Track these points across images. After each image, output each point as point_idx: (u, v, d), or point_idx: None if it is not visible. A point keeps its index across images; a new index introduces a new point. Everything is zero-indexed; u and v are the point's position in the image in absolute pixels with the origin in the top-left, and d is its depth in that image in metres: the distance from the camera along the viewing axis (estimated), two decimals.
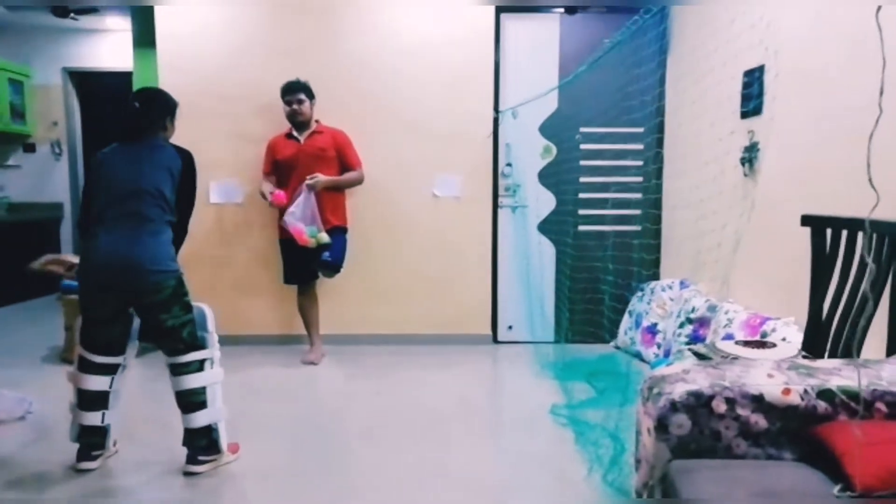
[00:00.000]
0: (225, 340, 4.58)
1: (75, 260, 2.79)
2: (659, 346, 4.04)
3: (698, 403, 1.62)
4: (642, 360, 4.15)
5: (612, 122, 4.58)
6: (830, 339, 2.16)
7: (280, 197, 4.03)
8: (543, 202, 4.69)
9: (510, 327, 4.78)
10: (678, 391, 1.63)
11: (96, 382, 2.61)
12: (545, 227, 4.71)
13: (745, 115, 3.38)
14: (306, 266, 4.19)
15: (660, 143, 4.57)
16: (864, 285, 1.95)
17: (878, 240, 1.98)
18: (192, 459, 2.60)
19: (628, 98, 4.48)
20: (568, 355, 4.34)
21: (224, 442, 2.67)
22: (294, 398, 3.66)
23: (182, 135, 4.50)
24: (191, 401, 2.60)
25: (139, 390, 3.66)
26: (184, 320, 2.61)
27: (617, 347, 4.54)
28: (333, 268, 4.16)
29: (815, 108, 2.86)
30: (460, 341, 4.68)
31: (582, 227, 4.70)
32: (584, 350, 4.43)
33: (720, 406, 1.62)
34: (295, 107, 4.12)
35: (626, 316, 4.51)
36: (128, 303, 2.61)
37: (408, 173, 4.63)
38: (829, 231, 2.19)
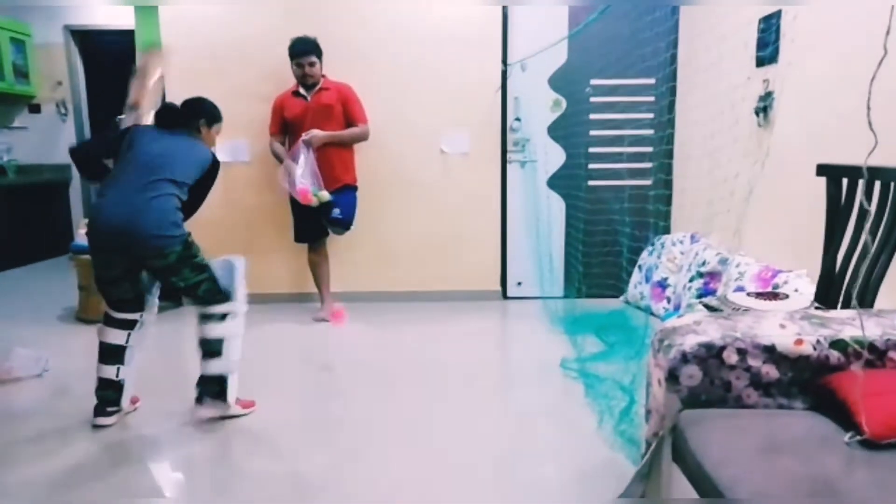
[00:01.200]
0: None
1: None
2: (669, 301, 4.04)
3: (709, 354, 1.61)
4: (652, 314, 4.15)
5: (624, 74, 4.48)
6: (843, 291, 2.14)
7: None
8: (553, 157, 4.64)
9: (519, 283, 4.78)
10: (689, 342, 1.63)
11: (113, 336, 2.69)
12: (554, 182, 4.67)
13: (760, 62, 3.30)
14: (317, 224, 4.19)
15: (672, 92, 4.48)
16: (865, 235, 1.92)
17: None
18: (199, 400, 2.72)
19: (640, 46, 4.38)
20: (577, 310, 4.35)
21: (232, 395, 2.73)
22: (306, 354, 3.70)
23: (186, 93, 4.49)
24: (207, 349, 2.70)
25: (157, 345, 3.71)
26: (196, 280, 2.65)
27: (627, 302, 4.54)
28: (344, 225, 4.16)
29: (831, 55, 2.78)
30: (470, 297, 4.69)
31: (592, 182, 4.65)
32: (594, 305, 4.43)
33: (731, 357, 1.61)
34: (307, 69, 4.04)
35: (636, 270, 4.50)
36: (134, 265, 2.65)
37: (415, 129, 4.58)
38: (845, 181, 2.15)
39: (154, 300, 2.82)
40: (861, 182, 1.98)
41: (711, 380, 1.62)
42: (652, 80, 4.49)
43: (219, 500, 2.18)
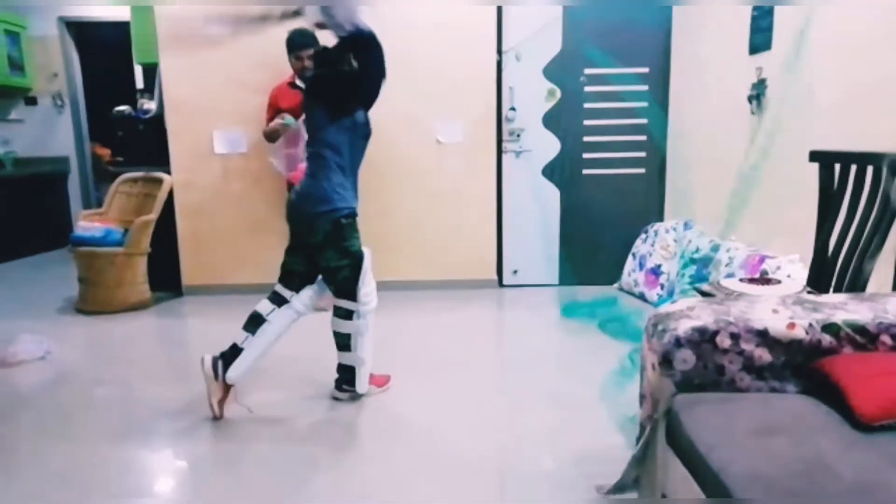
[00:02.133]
0: (233, 289, 4.62)
1: None
2: (662, 287, 4.07)
3: (703, 339, 1.63)
4: (646, 301, 4.19)
5: (617, 63, 4.50)
6: (836, 275, 2.16)
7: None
8: (548, 146, 4.65)
9: (515, 271, 4.80)
10: (683, 327, 1.65)
11: (263, 305, 2.71)
12: (549, 171, 4.68)
13: (753, 50, 3.31)
14: None
15: (666, 80, 4.49)
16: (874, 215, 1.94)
17: (887, 174, 1.96)
18: (337, 386, 2.84)
19: (634, 35, 4.39)
20: (572, 297, 4.38)
21: (362, 384, 2.80)
22: (306, 342, 3.71)
23: (182, 85, 4.51)
24: (337, 341, 2.79)
25: (158, 336, 3.74)
26: (338, 265, 2.68)
27: (621, 289, 4.57)
28: None
29: (825, 41, 2.79)
30: (466, 286, 4.71)
31: (586, 171, 4.66)
32: (589, 292, 4.47)
33: (724, 341, 1.63)
34: (306, 62, 4.02)
35: (629, 258, 4.52)
36: (302, 241, 2.73)
37: (411, 120, 4.58)
38: (837, 166, 2.17)
39: (313, 294, 2.78)
40: (869, 170, 2.00)
41: (705, 364, 1.65)
42: (646, 69, 4.50)
43: (208, 485, 2.22)
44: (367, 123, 2.80)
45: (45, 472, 2.28)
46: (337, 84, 2.69)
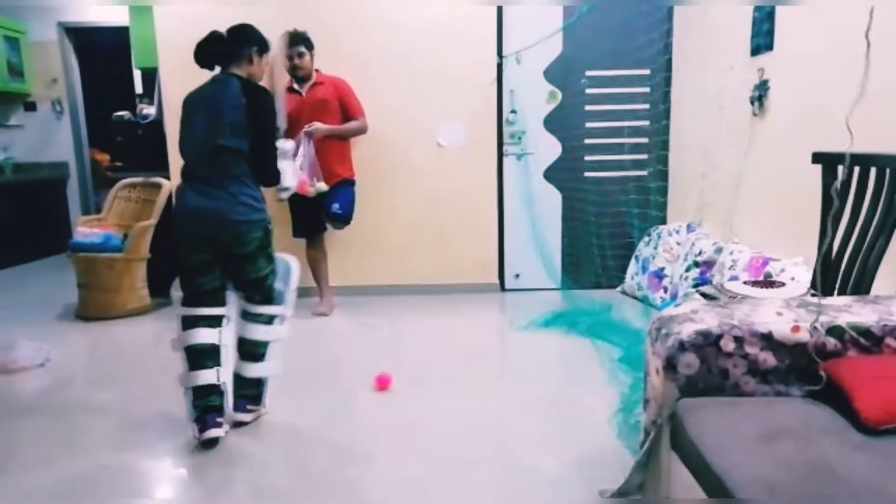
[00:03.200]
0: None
1: None
2: (666, 291, 4.05)
3: (707, 342, 1.62)
4: (649, 304, 4.17)
5: (619, 65, 4.49)
6: (840, 277, 2.15)
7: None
8: (549, 149, 4.64)
9: (517, 275, 4.79)
10: (686, 331, 1.64)
11: (205, 335, 2.49)
12: (551, 173, 4.67)
13: (754, 51, 3.30)
14: (315, 219, 4.19)
15: (667, 82, 4.48)
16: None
17: (891, 175, 1.95)
18: (240, 407, 2.61)
19: (635, 36, 4.39)
20: (575, 301, 4.36)
21: (267, 398, 2.68)
22: (306, 350, 3.71)
23: (183, 88, 4.48)
24: (251, 350, 2.61)
25: (158, 342, 3.72)
26: (266, 272, 2.57)
27: (624, 292, 4.56)
28: (343, 220, 4.16)
29: (826, 42, 2.78)
30: (468, 290, 4.70)
31: (588, 174, 4.65)
32: (591, 296, 4.45)
33: (728, 344, 1.62)
34: (296, 61, 4.03)
35: (632, 261, 4.51)
36: (220, 253, 2.50)
37: (412, 123, 4.58)
38: (840, 168, 2.16)
39: (232, 299, 2.65)
40: (873, 171, 1.98)
41: (709, 368, 1.63)
42: (647, 71, 4.50)
43: (212, 499, 2.20)
44: None
45: (46, 478, 2.26)
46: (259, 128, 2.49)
